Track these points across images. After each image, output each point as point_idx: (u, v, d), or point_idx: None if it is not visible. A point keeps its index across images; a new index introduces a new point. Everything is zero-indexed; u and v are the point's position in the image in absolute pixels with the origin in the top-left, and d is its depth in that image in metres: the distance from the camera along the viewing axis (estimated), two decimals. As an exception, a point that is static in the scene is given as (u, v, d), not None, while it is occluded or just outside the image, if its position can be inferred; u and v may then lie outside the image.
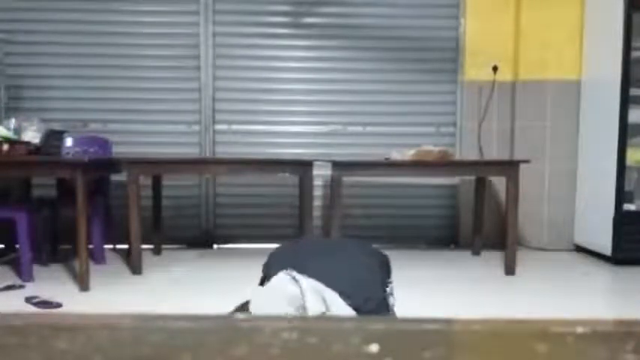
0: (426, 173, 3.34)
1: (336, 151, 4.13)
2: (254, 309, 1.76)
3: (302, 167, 3.26)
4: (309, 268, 1.85)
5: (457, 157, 4.09)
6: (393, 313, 1.98)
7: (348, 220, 4.09)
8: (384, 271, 2.03)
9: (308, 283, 1.74)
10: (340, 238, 3.20)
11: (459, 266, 3.57)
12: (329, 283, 1.79)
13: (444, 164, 3.25)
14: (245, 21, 4.11)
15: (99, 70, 4.06)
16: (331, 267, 1.88)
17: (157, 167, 3.26)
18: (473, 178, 4.09)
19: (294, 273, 1.78)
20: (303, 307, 1.70)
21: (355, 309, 1.76)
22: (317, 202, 4.14)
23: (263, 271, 1.99)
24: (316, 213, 4.08)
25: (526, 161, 3.32)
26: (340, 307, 1.71)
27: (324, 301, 1.71)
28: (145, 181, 3.80)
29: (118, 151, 3.87)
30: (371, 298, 1.80)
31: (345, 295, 1.77)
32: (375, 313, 1.77)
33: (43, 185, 3.87)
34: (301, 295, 1.71)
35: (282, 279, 1.79)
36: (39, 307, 2.54)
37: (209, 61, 4.09)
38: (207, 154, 4.12)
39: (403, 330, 0.39)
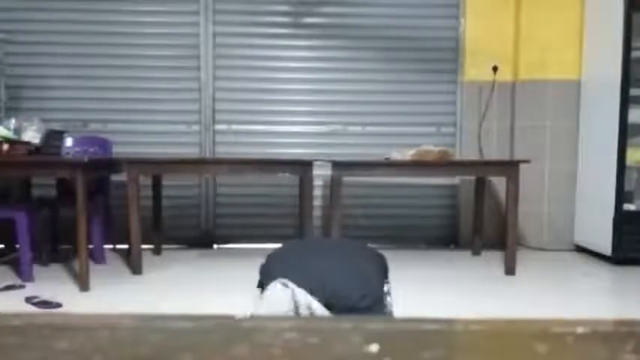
0: (426, 173, 3.33)
1: (336, 151, 4.14)
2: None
3: (302, 167, 3.26)
4: (307, 267, 1.85)
5: (457, 157, 4.09)
6: (391, 313, 1.98)
7: (348, 220, 4.09)
8: (382, 271, 2.04)
9: (301, 295, 1.74)
10: (339, 238, 3.19)
11: (459, 266, 3.57)
12: (324, 281, 1.80)
13: (444, 164, 3.25)
14: (245, 21, 4.11)
15: (99, 70, 4.06)
16: (328, 265, 1.88)
17: (157, 167, 3.26)
18: (473, 178, 4.09)
19: (289, 284, 1.78)
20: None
21: (351, 306, 1.76)
22: (317, 202, 4.14)
23: (260, 273, 1.97)
24: (316, 213, 4.08)
25: (526, 161, 3.32)
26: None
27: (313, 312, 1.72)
28: (145, 181, 3.80)
29: (118, 151, 3.87)
30: (367, 295, 1.80)
31: (341, 292, 1.77)
32: (372, 309, 1.78)
33: (43, 185, 3.87)
34: (294, 305, 1.72)
35: (278, 291, 1.79)
36: (39, 307, 2.54)
37: (209, 61, 4.09)
38: (207, 154, 4.12)
39: (403, 330, 0.39)
